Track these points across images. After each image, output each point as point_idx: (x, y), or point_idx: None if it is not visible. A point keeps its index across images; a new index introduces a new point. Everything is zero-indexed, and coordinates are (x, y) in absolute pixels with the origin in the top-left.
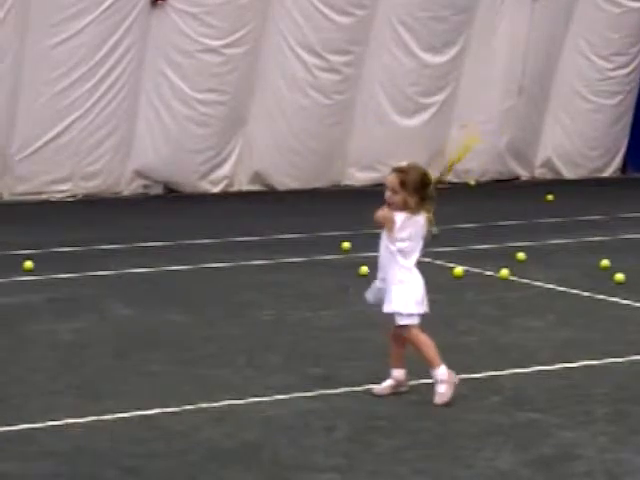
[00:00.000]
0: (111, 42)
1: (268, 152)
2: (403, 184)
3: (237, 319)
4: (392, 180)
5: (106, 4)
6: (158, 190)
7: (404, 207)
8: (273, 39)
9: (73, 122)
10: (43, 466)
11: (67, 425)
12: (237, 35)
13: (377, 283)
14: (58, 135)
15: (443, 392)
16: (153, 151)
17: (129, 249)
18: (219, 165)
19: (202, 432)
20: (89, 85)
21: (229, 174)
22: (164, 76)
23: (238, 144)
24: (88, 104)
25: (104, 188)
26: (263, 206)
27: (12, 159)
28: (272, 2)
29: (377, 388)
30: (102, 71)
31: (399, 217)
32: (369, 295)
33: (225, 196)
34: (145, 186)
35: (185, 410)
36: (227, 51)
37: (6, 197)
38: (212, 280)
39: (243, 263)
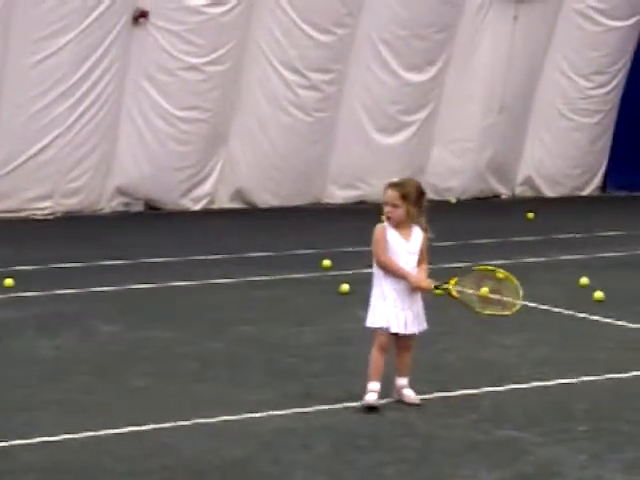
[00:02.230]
0: (92, 59)
1: (249, 169)
2: (404, 197)
3: (219, 335)
4: (392, 195)
5: (87, 22)
6: (139, 207)
7: (407, 219)
8: (254, 57)
9: (54, 139)
10: None
11: (47, 442)
12: (218, 53)
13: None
14: (39, 152)
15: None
16: (134, 168)
17: (110, 266)
18: (200, 182)
19: (185, 448)
20: (70, 102)
21: (210, 191)
22: (145, 93)
23: (219, 161)
24: (69, 121)
25: (85, 205)
26: (244, 223)
27: None
28: (253, 20)
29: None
30: (83, 88)
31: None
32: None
33: (206, 213)
34: (126, 204)
35: (167, 427)
36: (208, 69)
37: None
38: (193, 296)
39: (224, 280)
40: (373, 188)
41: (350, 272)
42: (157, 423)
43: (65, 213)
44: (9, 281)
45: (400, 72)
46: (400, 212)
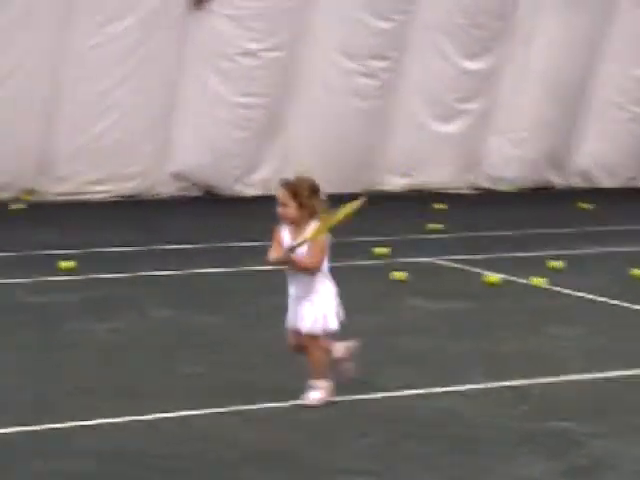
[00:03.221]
0: (152, 44)
1: (305, 156)
2: (295, 195)
3: (270, 323)
4: (282, 194)
5: (148, 6)
6: (197, 192)
7: (300, 217)
8: (312, 43)
9: (114, 123)
10: (79, 465)
11: (103, 425)
12: (277, 39)
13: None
14: (98, 136)
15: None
16: (192, 154)
17: (166, 251)
18: (257, 168)
19: (237, 434)
20: (130, 87)
21: (267, 177)
22: (204, 79)
23: (276, 148)
24: (128, 106)
25: (143, 190)
26: None
27: (53, 159)
28: (311, 6)
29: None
30: (143, 73)
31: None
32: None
33: (263, 199)
34: (184, 188)
35: (220, 412)
36: (266, 54)
37: (47, 197)
38: (246, 283)
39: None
40: (428, 176)
41: (405, 260)
42: (207, 409)
43: (123, 197)
44: (68, 264)
45: (457, 60)
46: (291, 211)
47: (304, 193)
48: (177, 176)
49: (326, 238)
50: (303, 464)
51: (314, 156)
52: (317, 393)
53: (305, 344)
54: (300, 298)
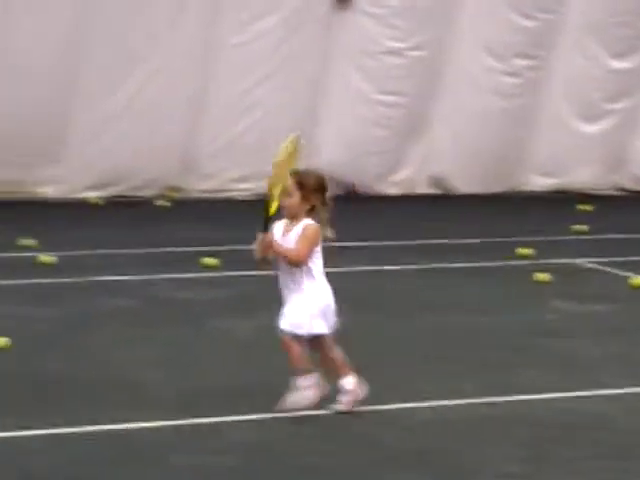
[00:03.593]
0: (295, 42)
1: (448, 155)
2: (300, 186)
3: (408, 322)
4: (289, 183)
5: (292, 5)
6: (337, 191)
7: (299, 210)
8: (456, 41)
9: (258, 121)
10: (221, 461)
11: (246, 421)
12: (421, 37)
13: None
14: (242, 134)
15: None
16: (334, 152)
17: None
18: (398, 167)
19: (379, 434)
20: (273, 84)
21: (408, 177)
22: (346, 77)
23: (418, 146)
24: (272, 103)
25: None
26: (441, 210)
27: (198, 156)
28: (456, 5)
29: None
30: (286, 71)
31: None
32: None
33: (404, 199)
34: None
35: (361, 411)
36: (410, 53)
37: (190, 194)
38: (388, 282)
39: (417, 267)
40: (573, 176)
41: (549, 261)
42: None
43: (265, 195)
44: (212, 261)
45: (603, 59)
46: (293, 201)
47: (309, 186)
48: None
49: (316, 233)
50: (448, 465)
51: (457, 156)
52: (315, 390)
53: (284, 343)
54: (286, 296)
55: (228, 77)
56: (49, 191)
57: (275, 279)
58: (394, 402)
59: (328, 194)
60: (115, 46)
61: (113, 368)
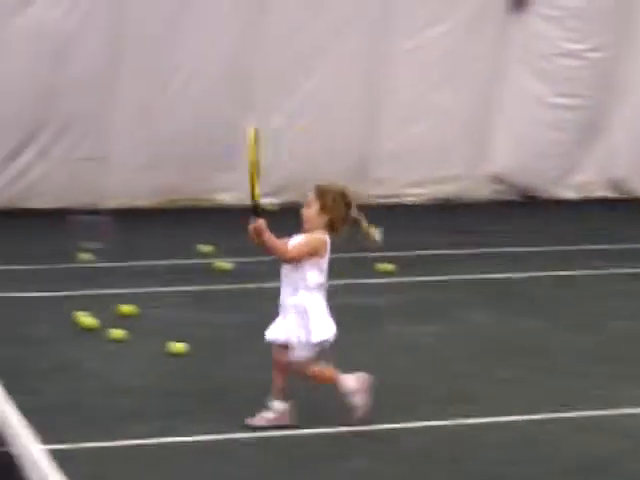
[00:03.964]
0: (469, 46)
1: (627, 158)
2: (320, 197)
3: (591, 329)
4: (310, 194)
5: (467, 9)
6: (512, 195)
7: (316, 222)
8: (635, 43)
9: (431, 126)
10: (402, 466)
11: (424, 427)
12: (599, 39)
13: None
14: (416, 139)
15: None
16: (508, 155)
17: (482, 254)
18: (575, 170)
19: (565, 441)
20: (448, 89)
21: (587, 180)
22: (521, 80)
23: (596, 149)
24: (447, 108)
25: (459, 192)
26: (620, 213)
27: (370, 162)
28: (635, 5)
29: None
30: (460, 75)
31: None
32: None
33: (581, 202)
34: (499, 191)
35: (545, 418)
36: (588, 55)
37: (363, 199)
38: (566, 287)
39: (598, 272)
40: None
41: None
42: (536, 414)
43: (439, 200)
44: (387, 266)
45: None
46: (310, 212)
47: (330, 198)
48: (493, 178)
49: (320, 243)
50: (624, 475)
51: (637, 158)
52: (269, 414)
53: (285, 360)
54: (286, 308)
55: (402, 82)
56: (226, 198)
57: (450, 285)
58: (592, 409)
59: (351, 210)
60: (287, 55)
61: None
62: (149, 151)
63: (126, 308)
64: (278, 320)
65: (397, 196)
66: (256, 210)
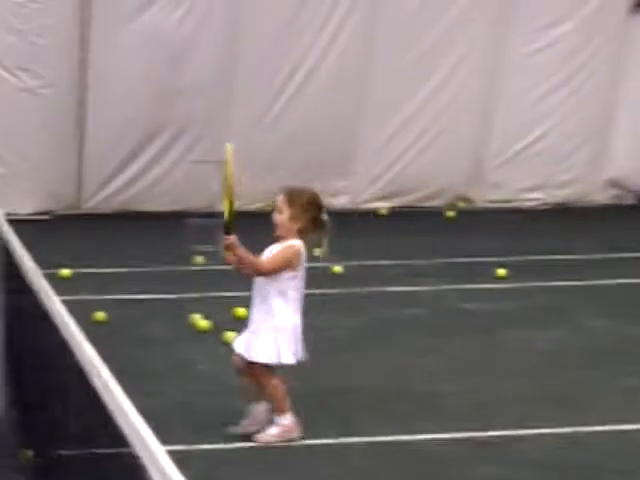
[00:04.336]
0: (589, 48)
1: None
2: (290, 203)
3: None
4: (279, 199)
5: (586, 10)
6: (630, 200)
7: (288, 229)
8: None
9: (548, 130)
10: (520, 473)
11: (544, 434)
12: None
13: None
14: (532, 143)
15: (273, 433)
16: (627, 159)
17: (602, 259)
18: None
19: None
20: (566, 92)
21: None
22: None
23: None
24: (563, 112)
25: (577, 197)
26: None
27: (486, 166)
28: None
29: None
30: (579, 78)
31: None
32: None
33: None
34: (617, 196)
35: None
36: None
37: (478, 204)
38: None
39: None
40: None
41: None
42: None
43: (555, 204)
44: (502, 271)
45: None
46: (282, 218)
47: (300, 204)
48: (612, 182)
49: (295, 254)
50: None
51: None
52: (273, 429)
53: (256, 375)
54: (256, 322)
55: (519, 85)
56: (340, 202)
57: (567, 290)
58: None
59: (323, 215)
60: (404, 57)
61: (403, 378)
62: (264, 154)
63: (240, 311)
64: (247, 334)
65: (513, 201)
66: (227, 227)
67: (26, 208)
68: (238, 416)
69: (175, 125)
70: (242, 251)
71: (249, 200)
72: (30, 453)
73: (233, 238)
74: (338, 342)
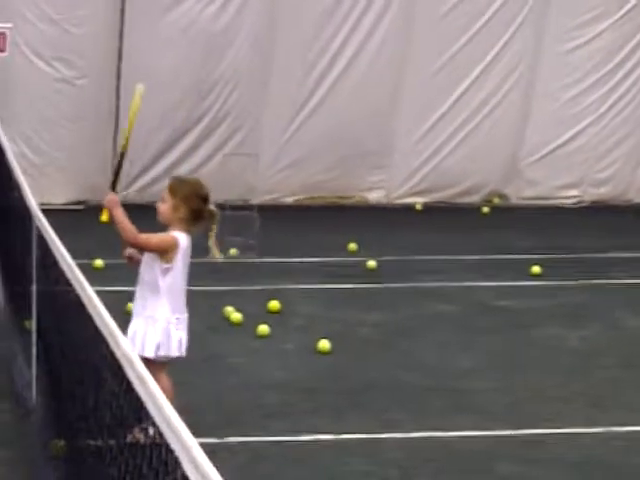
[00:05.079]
0: (629, 47)
1: None
2: (173, 192)
3: None
4: (165, 188)
5: (624, 10)
6: None
7: (171, 220)
8: None
9: (585, 128)
10: (552, 472)
11: (576, 434)
12: None
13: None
14: (569, 140)
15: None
16: None
17: (638, 258)
18: None
19: None
20: (603, 90)
21: None
22: None
23: None
24: (601, 110)
25: (614, 195)
26: None
27: (522, 163)
28: None
29: None
30: (618, 76)
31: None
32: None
33: None
34: None
35: None
36: None
37: (514, 200)
38: None
39: None
40: None
41: None
42: None
43: (593, 202)
44: (536, 268)
45: None
46: (164, 208)
47: (183, 194)
48: None
49: (170, 244)
50: None
51: None
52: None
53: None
54: (136, 312)
55: (556, 83)
56: (375, 196)
57: (604, 289)
58: None
59: (208, 206)
60: (441, 55)
61: (436, 374)
62: (299, 148)
63: (273, 304)
64: (130, 326)
65: (548, 198)
66: (114, 183)
67: (60, 198)
68: (270, 409)
69: (210, 117)
70: (120, 212)
71: (284, 193)
72: (62, 444)
73: (115, 196)
74: (372, 337)
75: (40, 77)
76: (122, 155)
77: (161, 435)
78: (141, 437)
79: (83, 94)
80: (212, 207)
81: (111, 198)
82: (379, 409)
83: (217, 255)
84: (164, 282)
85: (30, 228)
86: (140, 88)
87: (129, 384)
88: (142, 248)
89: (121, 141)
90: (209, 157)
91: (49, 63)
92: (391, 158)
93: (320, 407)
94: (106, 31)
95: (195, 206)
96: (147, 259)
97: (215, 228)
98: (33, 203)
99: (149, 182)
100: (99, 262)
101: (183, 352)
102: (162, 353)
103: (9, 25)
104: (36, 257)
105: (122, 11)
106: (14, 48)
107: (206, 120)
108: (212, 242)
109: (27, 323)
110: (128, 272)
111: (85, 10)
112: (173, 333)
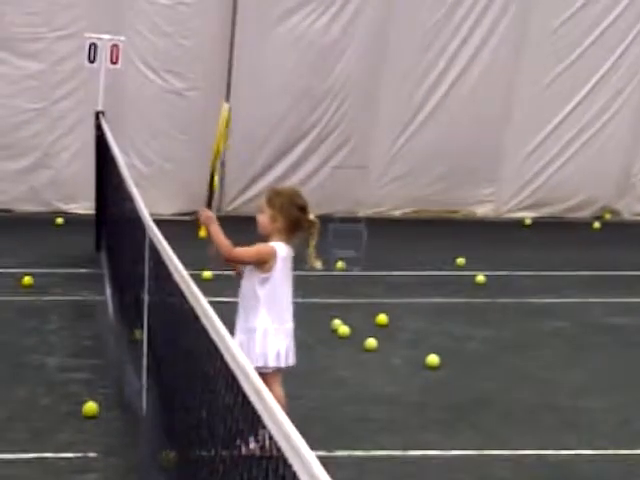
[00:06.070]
0: None
1: None
2: (270, 203)
3: None
4: (262, 199)
5: None
6: None
7: (270, 230)
8: None
9: None
10: None
11: None
12: None
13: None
14: None
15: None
16: None
17: None
18: None
19: None
20: None
21: None
22: None
23: None
24: None
25: None
26: None
27: (634, 178)
28: None
29: None
30: None
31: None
32: None
33: None
34: None
35: None
36: None
37: (626, 216)
38: None
39: None
40: None
41: None
42: None
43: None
44: None
45: None
46: (262, 219)
47: (279, 204)
48: None
49: (268, 254)
50: None
51: None
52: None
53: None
54: (239, 326)
55: None
56: (483, 210)
57: None
58: None
59: (307, 215)
60: (548, 71)
61: (546, 392)
62: (407, 160)
63: (380, 318)
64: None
65: None
66: (209, 199)
67: (169, 209)
68: (378, 424)
69: (318, 129)
70: (216, 228)
71: (392, 206)
72: (173, 454)
73: (211, 212)
74: (481, 353)
75: (151, 89)
76: (212, 175)
77: (279, 449)
78: (257, 450)
79: (193, 106)
80: (311, 216)
81: (207, 215)
82: (488, 425)
83: (316, 265)
84: (262, 291)
85: (143, 239)
86: (226, 107)
87: (245, 396)
88: (238, 262)
89: (212, 159)
90: (317, 169)
91: (160, 75)
92: (501, 172)
93: (429, 423)
94: (217, 43)
95: (293, 216)
96: (247, 272)
97: (315, 237)
98: (146, 214)
99: (257, 194)
100: (207, 273)
101: (282, 363)
102: (261, 364)
103: (122, 38)
104: (148, 268)
105: (233, 23)
106: (127, 60)
107: (314, 132)
108: (311, 251)
109: (137, 333)
110: (236, 284)
111: (196, 23)
112: (271, 343)
